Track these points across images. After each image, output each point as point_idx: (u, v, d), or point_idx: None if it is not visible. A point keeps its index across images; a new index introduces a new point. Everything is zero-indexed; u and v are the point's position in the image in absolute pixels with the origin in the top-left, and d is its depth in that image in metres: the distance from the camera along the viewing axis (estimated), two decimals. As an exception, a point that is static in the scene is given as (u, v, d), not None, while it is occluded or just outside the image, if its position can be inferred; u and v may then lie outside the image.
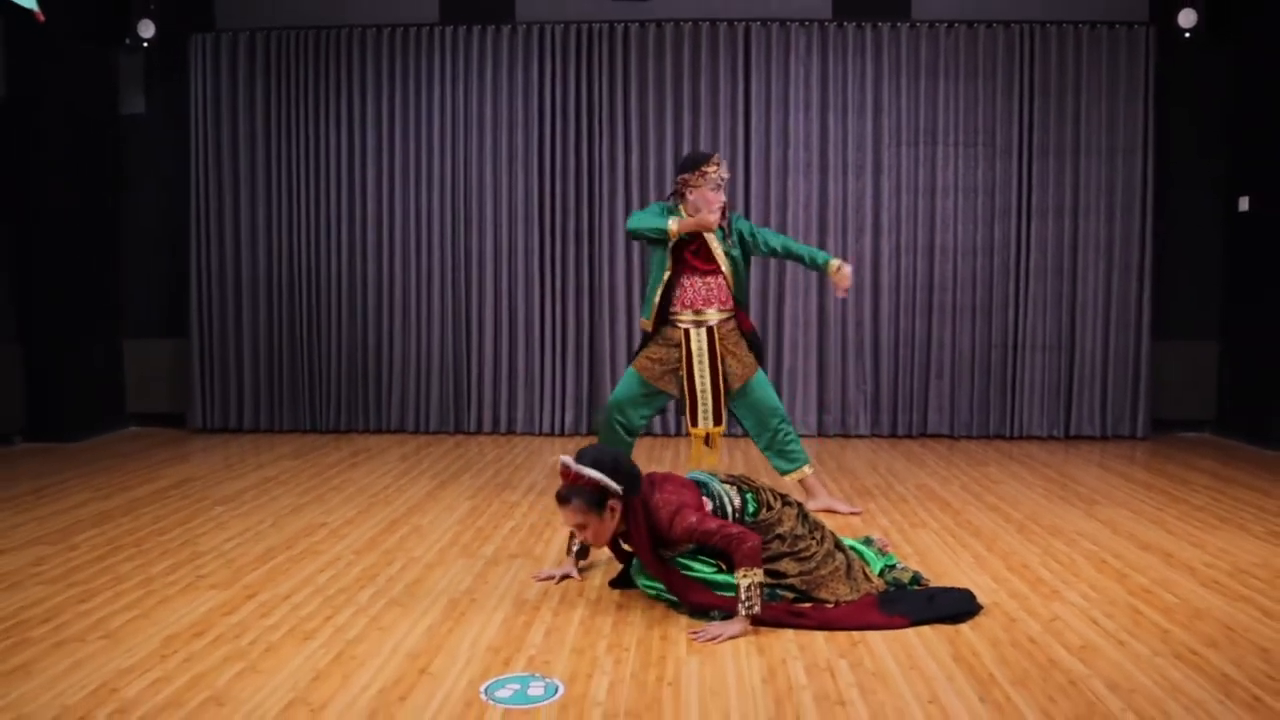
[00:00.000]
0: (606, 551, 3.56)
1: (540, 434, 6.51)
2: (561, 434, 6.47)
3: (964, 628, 2.87)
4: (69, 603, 3.08)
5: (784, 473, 4.33)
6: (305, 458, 5.65)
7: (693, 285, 4.20)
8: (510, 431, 6.54)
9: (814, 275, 6.40)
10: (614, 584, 3.25)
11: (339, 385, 6.58)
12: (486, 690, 2.42)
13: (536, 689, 2.43)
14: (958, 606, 2.97)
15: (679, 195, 4.22)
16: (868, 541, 3.42)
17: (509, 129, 6.45)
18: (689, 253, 4.20)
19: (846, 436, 6.44)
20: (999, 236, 6.37)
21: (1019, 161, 6.34)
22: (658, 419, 6.29)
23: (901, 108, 6.35)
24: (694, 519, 2.89)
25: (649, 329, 4.28)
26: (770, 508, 3.13)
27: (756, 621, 2.82)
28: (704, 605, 2.90)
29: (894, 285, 6.41)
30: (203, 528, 4.02)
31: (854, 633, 2.82)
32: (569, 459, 2.97)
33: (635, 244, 6.42)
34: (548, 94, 6.42)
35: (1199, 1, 5.95)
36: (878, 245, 6.40)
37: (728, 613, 2.86)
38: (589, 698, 2.39)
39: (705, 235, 4.18)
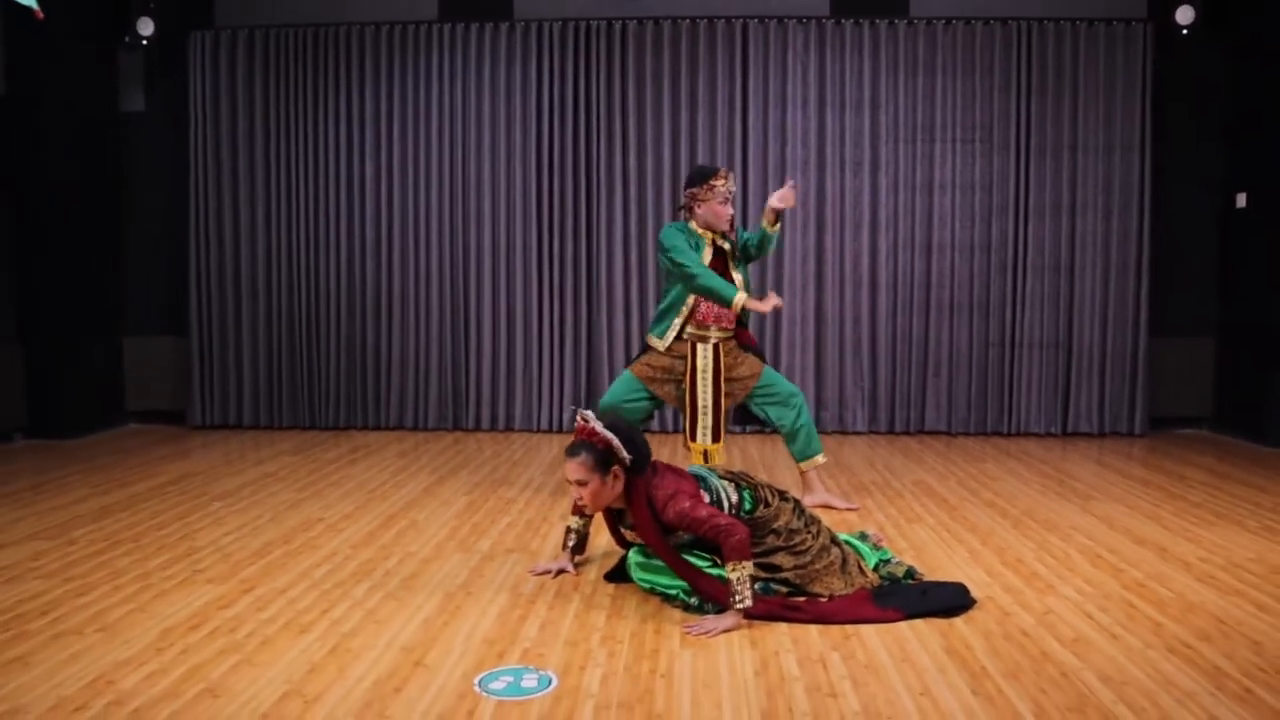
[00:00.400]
0: (602, 547, 3.60)
1: (538, 431, 6.52)
2: (559, 431, 6.48)
3: (957, 621, 2.88)
4: (67, 596, 3.09)
5: (801, 459, 4.31)
6: (304, 454, 5.67)
7: (704, 303, 4.20)
8: (508, 428, 6.56)
9: (811, 270, 6.43)
10: (609, 578, 3.26)
11: (338, 382, 6.60)
12: (480, 682, 2.43)
13: (530, 681, 2.44)
14: (951, 600, 2.98)
15: (688, 210, 4.22)
16: (863, 536, 3.43)
17: (507, 126, 6.47)
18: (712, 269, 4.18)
19: (844, 433, 6.44)
20: (996, 233, 6.37)
21: (1017, 158, 6.34)
22: (654, 418, 6.30)
23: (899, 104, 6.36)
24: (686, 504, 2.90)
25: (662, 348, 4.25)
26: (767, 504, 3.14)
27: (750, 615, 2.83)
28: (709, 593, 2.91)
29: (891, 282, 6.42)
30: (200, 523, 4.03)
31: (847, 626, 2.83)
32: (589, 413, 2.99)
33: (633, 242, 6.44)
34: (546, 91, 6.43)
35: (1196, -2, 5.98)
36: (875, 242, 6.41)
37: (722, 606, 2.87)
38: (582, 689, 2.40)
39: (725, 250, 4.19)
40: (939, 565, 3.44)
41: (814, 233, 6.41)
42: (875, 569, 3.19)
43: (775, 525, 3.09)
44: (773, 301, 4.04)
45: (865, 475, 5.09)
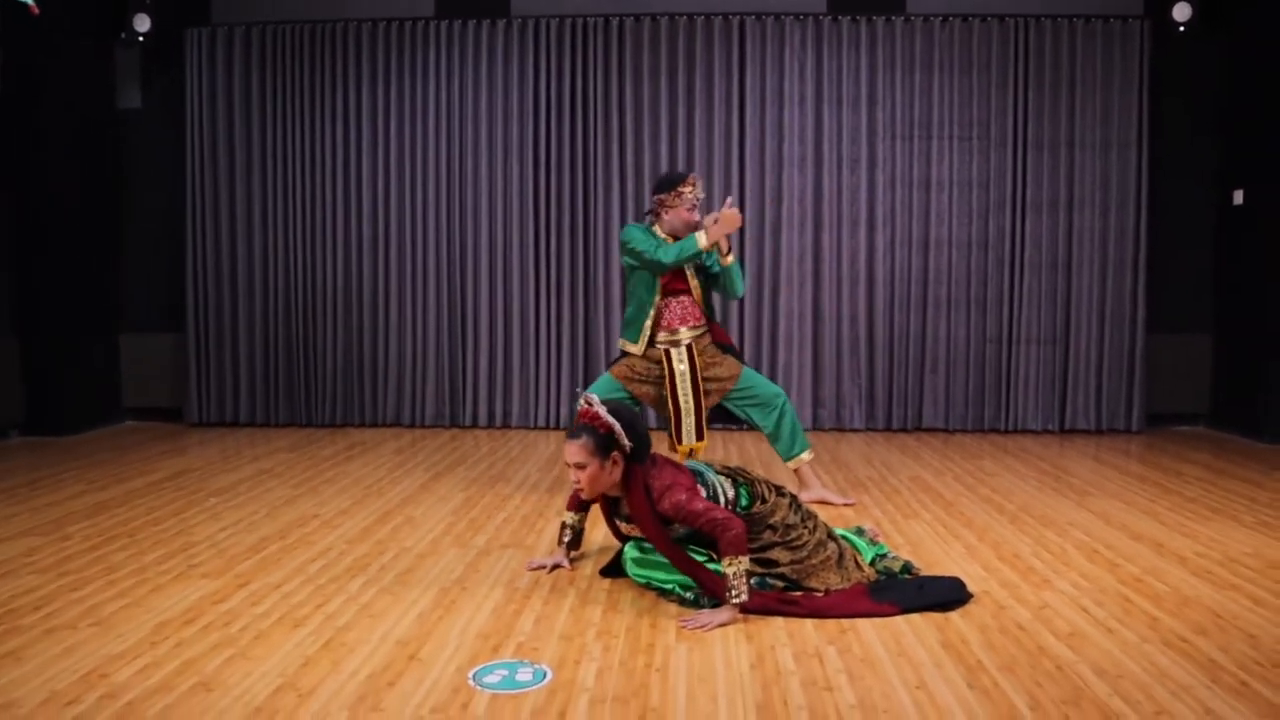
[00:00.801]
0: (597, 542, 3.59)
1: (535, 428, 6.52)
2: (556, 427, 6.48)
3: (953, 615, 2.87)
4: (61, 591, 3.08)
5: (787, 458, 4.32)
6: (301, 451, 5.66)
7: (668, 306, 4.21)
8: (505, 425, 6.55)
9: (808, 267, 6.42)
10: (604, 573, 3.25)
11: (335, 379, 6.59)
12: (474, 676, 2.42)
13: (525, 675, 2.43)
14: (948, 595, 2.98)
15: (655, 215, 4.23)
16: (859, 531, 3.42)
17: (504, 123, 6.46)
18: (667, 276, 4.19)
19: (841, 430, 6.44)
20: (994, 230, 6.37)
21: (1014, 155, 6.34)
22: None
23: (896, 101, 6.36)
24: (683, 497, 2.89)
25: (638, 352, 4.25)
26: (764, 500, 3.13)
27: (746, 609, 2.82)
28: (705, 585, 2.90)
29: (888, 279, 6.42)
30: (196, 518, 4.02)
31: (843, 620, 2.83)
32: (594, 397, 2.99)
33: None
34: (543, 88, 6.43)
35: (1193, -5, 5.98)
36: (872, 239, 6.41)
37: (718, 600, 2.87)
38: (577, 683, 2.39)
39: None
40: (935, 560, 3.44)
41: (811, 230, 6.40)
42: (872, 563, 3.19)
43: (772, 521, 3.08)
44: (728, 215, 3.97)
45: (862, 472, 5.09)
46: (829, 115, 6.38)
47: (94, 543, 3.64)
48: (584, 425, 2.96)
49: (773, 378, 6.34)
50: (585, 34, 6.41)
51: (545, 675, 2.43)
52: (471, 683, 2.39)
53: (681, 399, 4.21)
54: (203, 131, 6.54)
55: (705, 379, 4.24)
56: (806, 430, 6.30)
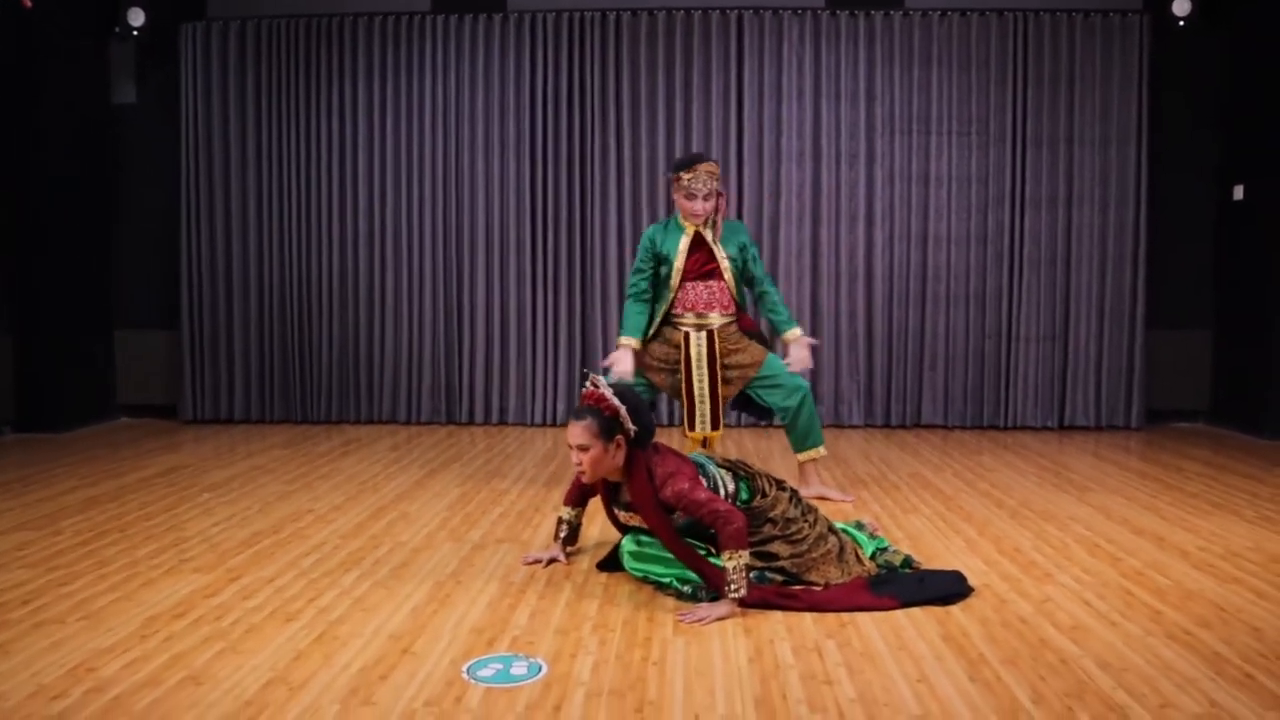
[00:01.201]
0: (594, 537, 3.55)
1: (532, 424, 6.48)
2: (553, 424, 6.44)
3: (954, 609, 2.84)
4: (50, 585, 3.04)
5: (798, 450, 4.27)
6: (295, 447, 5.62)
7: (694, 288, 4.16)
8: (502, 422, 6.51)
9: (806, 263, 6.39)
10: (601, 566, 3.22)
11: (330, 376, 6.55)
12: (468, 670, 2.39)
13: (519, 668, 2.40)
14: (948, 588, 2.94)
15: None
16: (859, 526, 3.39)
17: (501, 118, 6.42)
18: (692, 257, 4.16)
19: (839, 427, 6.40)
20: (992, 226, 6.34)
21: (1013, 150, 6.31)
22: (655, 410, 6.25)
23: (895, 96, 6.33)
24: (685, 485, 2.85)
25: (637, 348, 4.23)
26: (764, 494, 3.09)
27: (745, 603, 2.79)
28: (704, 576, 2.86)
29: (887, 275, 6.38)
30: (189, 514, 3.98)
31: (842, 614, 2.79)
32: (601, 379, 2.95)
33: (627, 235, 6.39)
34: (539, 83, 6.39)
35: (1193, -11, 5.95)
36: (870, 234, 6.38)
37: (716, 594, 2.83)
38: (572, 677, 2.36)
39: (706, 238, 4.14)
40: (936, 555, 3.40)
41: (809, 225, 6.37)
42: (872, 557, 3.16)
43: (772, 514, 3.05)
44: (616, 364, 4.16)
45: (861, 468, 5.05)
46: (827, 110, 6.34)
47: (85, 538, 3.60)
48: (588, 407, 2.92)
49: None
50: (582, 28, 6.38)
51: (540, 669, 2.40)
52: (465, 676, 2.35)
53: (696, 384, 4.17)
54: (198, 127, 6.50)
55: (726, 365, 4.19)
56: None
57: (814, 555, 3.01)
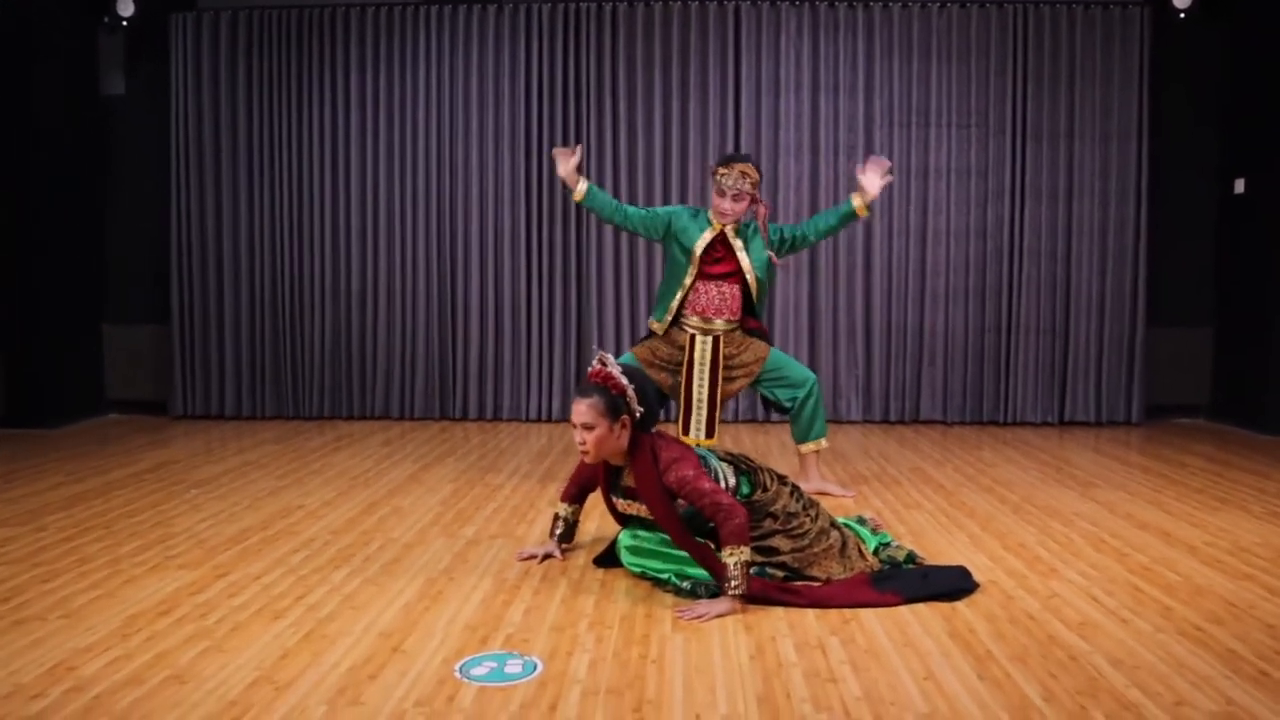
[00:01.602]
0: (591, 533, 3.48)
1: (526, 420, 6.40)
2: (548, 420, 6.36)
3: (959, 605, 2.77)
4: (32, 582, 2.96)
5: (800, 441, 4.20)
6: (287, 443, 5.53)
7: (706, 291, 4.07)
8: (496, 417, 6.43)
9: (803, 257, 6.31)
10: (598, 562, 3.15)
11: (322, 371, 6.46)
12: (461, 668, 2.31)
13: (514, 667, 2.32)
14: (953, 584, 2.88)
15: None
16: (861, 520, 3.33)
17: (495, 110, 6.34)
18: (712, 258, 4.06)
19: (838, 422, 6.32)
20: (992, 220, 6.27)
21: (1012, 144, 6.24)
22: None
23: (893, 89, 6.26)
24: (690, 472, 2.78)
25: (660, 331, 4.15)
26: (765, 489, 3.02)
27: (744, 598, 2.72)
28: (705, 564, 2.78)
29: (886, 269, 6.32)
30: (176, 510, 3.90)
31: (845, 610, 2.72)
32: (609, 357, 2.89)
33: (624, 229, 6.30)
34: (534, 75, 6.31)
35: (1194, -19, 5.89)
36: (869, 228, 6.30)
37: (716, 590, 2.76)
38: (568, 675, 2.28)
39: (731, 241, 4.05)
40: (940, 551, 3.34)
41: (807, 218, 6.27)
42: (875, 553, 3.09)
43: (773, 509, 2.98)
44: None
45: (861, 464, 4.98)
46: (825, 103, 6.27)
47: (69, 534, 3.52)
48: (595, 385, 2.84)
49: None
50: (578, 19, 6.29)
51: (535, 667, 2.32)
52: (458, 675, 2.28)
53: (696, 388, 4.10)
54: (188, 118, 6.40)
55: (730, 366, 4.11)
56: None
57: (815, 550, 2.95)
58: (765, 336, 4.24)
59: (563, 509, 3.28)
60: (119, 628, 2.58)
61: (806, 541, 2.94)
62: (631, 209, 4.19)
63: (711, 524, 2.77)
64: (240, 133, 6.40)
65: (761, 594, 2.75)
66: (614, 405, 2.82)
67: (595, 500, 3.28)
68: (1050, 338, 6.31)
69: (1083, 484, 4.48)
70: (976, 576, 2.97)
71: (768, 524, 2.94)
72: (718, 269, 4.06)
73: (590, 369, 2.90)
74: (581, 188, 4.16)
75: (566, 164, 4.15)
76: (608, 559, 3.12)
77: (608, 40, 6.28)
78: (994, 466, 4.90)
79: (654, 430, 2.94)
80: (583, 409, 2.82)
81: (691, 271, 4.05)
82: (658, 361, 4.16)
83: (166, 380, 6.53)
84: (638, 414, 2.84)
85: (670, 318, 4.11)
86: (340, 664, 2.34)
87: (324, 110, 6.37)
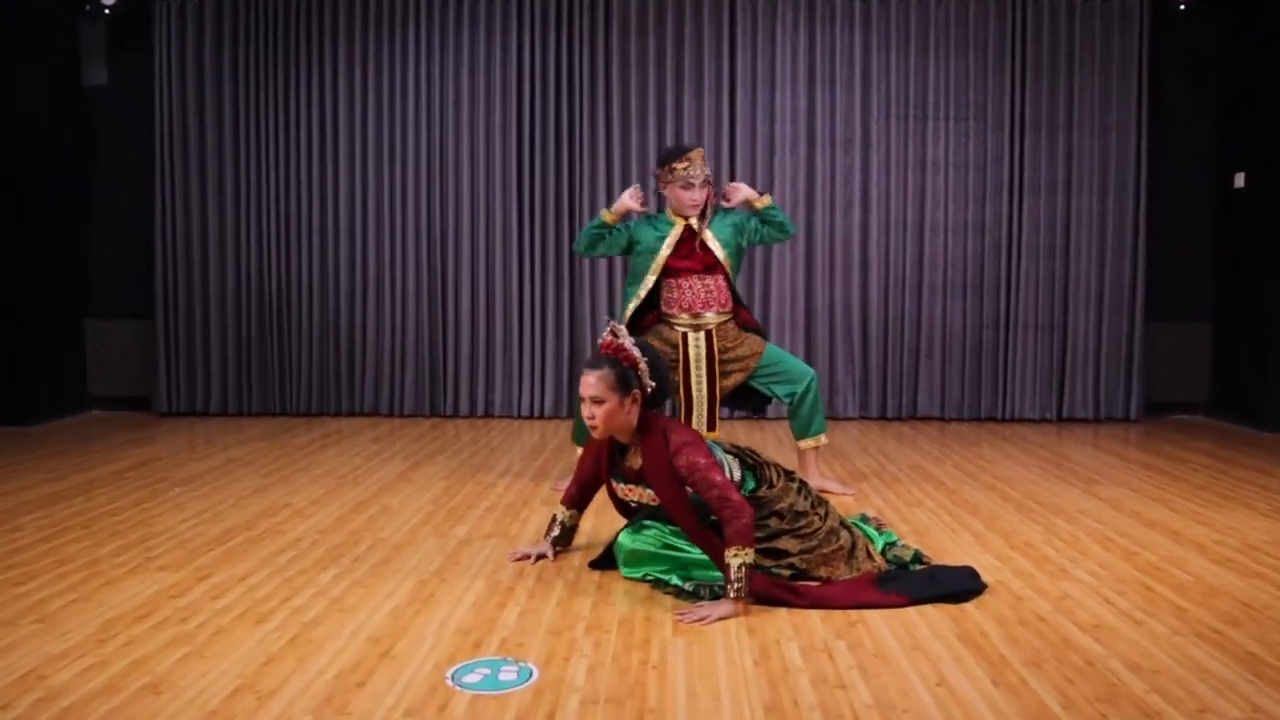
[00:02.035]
0: (587, 534, 3.38)
1: (518, 417, 6.29)
2: (540, 416, 6.26)
3: (968, 607, 2.69)
4: (4, 585, 2.85)
5: (799, 437, 4.12)
6: (273, 440, 5.42)
7: (690, 286, 3.98)
8: (487, 414, 6.32)
9: (800, 251, 6.23)
10: (594, 565, 3.05)
11: (310, 367, 6.34)
12: (453, 675, 2.21)
13: (509, 673, 2.23)
14: (961, 585, 2.79)
15: (660, 195, 4.08)
16: (864, 519, 3.24)
17: (486, 103, 6.22)
18: (683, 253, 3.97)
19: (834, 419, 6.22)
20: (990, 213, 6.20)
21: (1011, 137, 6.17)
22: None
23: (891, 82, 6.17)
24: (701, 460, 2.68)
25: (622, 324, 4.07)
26: (771, 485, 2.93)
27: (747, 599, 2.62)
28: (714, 552, 2.68)
29: (883, 263, 6.23)
30: (158, 509, 3.79)
31: (851, 612, 2.63)
32: (621, 328, 2.79)
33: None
34: (527, 67, 6.20)
35: (1194, -27, 5.83)
36: (866, 222, 6.22)
37: (718, 591, 2.67)
38: (566, 682, 2.19)
39: (701, 232, 3.97)
40: (945, 550, 3.25)
41: (803, 212, 6.21)
42: (882, 553, 3.00)
43: (778, 507, 2.89)
44: (630, 199, 4.00)
45: (859, 461, 4.90)
46: (821, 96, 6.18)
47: (46, 534, 3.40)
48: (606, 357, 2.74)
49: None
50: (571, 11, 6.18)
51: (531, 674, 2.23)
52: (450, 682, 2.18)
53: (694, 386, 4.01)
54: (172, 110, 6.26)
55: (725, 361, 4.02)
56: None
57: (824, 551, 2.85)
58: (761, 332, 4.16)
59: (562, 512, 3.17)
60: (95, 633, 2.47)
61: (816, 542, 2.85)
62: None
63: (714, 517, 2.68)
64: (226, 124, 6.27)
65: (764, 592, 2.66)
66: (625, 379, 2.72)
67: (596, 499, 3.18)
68: (1049, 333, 6.25)
69: (1084, 481, 4.40)
70: (984, 577, 2.89)
71: (773, 523, 2.85)
72: (691, 263, 3.97)
73: (601, 340, 2.80)
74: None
75: (633, 201, 4.00)
76: (604, 562, 3.02)
77: (601, 32, 6.18)
78: (994, 463, 4.82)
79: (664, 415, 2.84)
80: (592, 381, 2.72)
81: (658, 268, 3.97)
82: None
83: (151, 376, 6.40)
84: (649, 389, 2.74)
85: (629, 314, 4.03)
86: (327, 671, 2.24)
87: (312, 101, 6.25)
